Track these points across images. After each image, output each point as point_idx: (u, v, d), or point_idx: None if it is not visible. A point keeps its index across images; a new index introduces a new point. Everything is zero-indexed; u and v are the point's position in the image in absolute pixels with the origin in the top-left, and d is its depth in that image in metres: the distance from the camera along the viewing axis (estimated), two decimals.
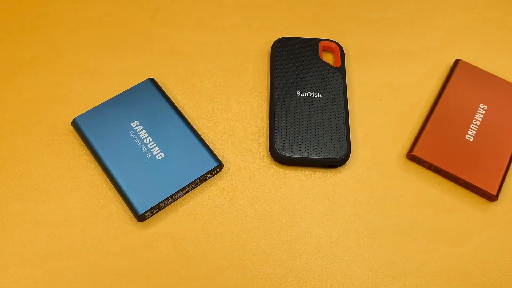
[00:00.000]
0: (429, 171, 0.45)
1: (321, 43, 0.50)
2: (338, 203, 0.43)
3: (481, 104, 0.48)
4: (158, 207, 0.41)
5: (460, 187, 0.44)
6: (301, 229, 0.42)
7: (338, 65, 0.49)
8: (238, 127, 0.47)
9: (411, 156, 0.45)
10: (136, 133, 0.43)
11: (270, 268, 0.40)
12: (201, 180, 0.43)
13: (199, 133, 0.45)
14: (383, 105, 0.49)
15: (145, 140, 0.43)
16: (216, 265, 0.40)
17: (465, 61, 0.50)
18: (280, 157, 0.44)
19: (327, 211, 0.43)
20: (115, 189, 0.42)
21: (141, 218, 0.40)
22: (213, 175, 0.44)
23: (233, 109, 0.48)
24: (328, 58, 0.51)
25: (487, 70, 0.51)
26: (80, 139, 0.45)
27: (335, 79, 0.48)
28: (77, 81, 0.48)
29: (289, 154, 0.44)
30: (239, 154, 0.45)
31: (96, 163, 0.44)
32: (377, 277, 0.40)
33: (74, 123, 0.44)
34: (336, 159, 0.44)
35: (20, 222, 0.41)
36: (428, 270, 0.40)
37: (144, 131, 0.44)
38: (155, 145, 0.43)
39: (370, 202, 0.43)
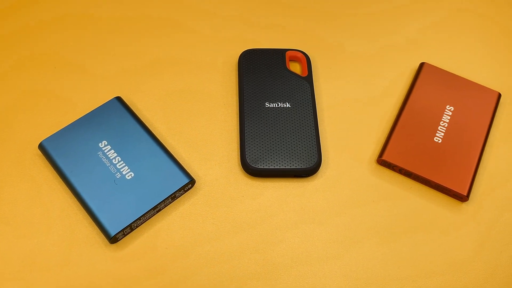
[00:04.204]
0: (400, 174, 0.45)
1: (288, 53, 0.51)
2: (312, 212, 0.43)
3: (448, 106, 0.48)
4: (130, 228, 0.40)
5: (431, 189, 0.45)
6: (276, 240, 0.42)
7: (305, 74, 0.49)
8: (209, 141, 0.46)
9: (381, 161, 0.45)
10: (104, 154, 0.43)
11: (247, 282, 0.40)
12: (173, 197, 0.42)
13: (169, 150, 0.45)
14: (352, 111, 0.49)
15: (113, 160, 0.42)
16: (192, 283, 0.39)
17: (430, 64, 0.51)
18: (252, 170, 0.44)
19: (301, 220, 0.43)
20: (85, 212, 0.41)
21: (113, 240, 0.40)
22: (185, 191, 0.43)
23: (202, 123, 0.47)
24: (295, 67, 0.51)
25: (452, 72, 0.52)
26: (47, 162, 0.44)
27: (303, 88, 0.48)
28: (41, 103, 0.47)
29: (260, 166, 0.43)
30: (211, 169, 0.45)
31: (65, 186, 0.43)
32: (354, 283, 0.40)
33: (41, 147, 0.43)
34: (308, 168, 0.44)
35: None
36: (404, 273, 0.41)
37: (112, 151, 0.43)
38: (124, 164, 0.42)
39: (343, 209, 0.43)
